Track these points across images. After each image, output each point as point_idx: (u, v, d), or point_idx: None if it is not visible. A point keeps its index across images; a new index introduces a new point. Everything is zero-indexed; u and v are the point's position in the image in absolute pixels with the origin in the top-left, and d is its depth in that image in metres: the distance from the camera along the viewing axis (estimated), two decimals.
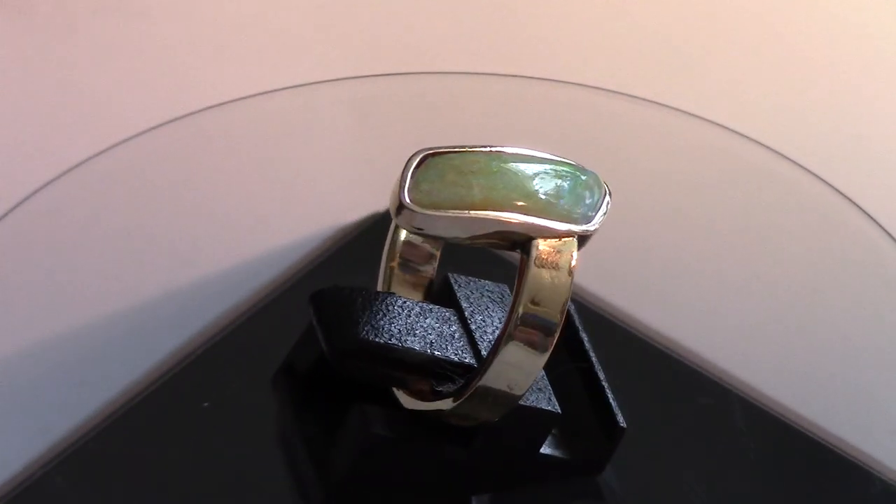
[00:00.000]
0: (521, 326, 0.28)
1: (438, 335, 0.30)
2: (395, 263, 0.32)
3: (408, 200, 0.28)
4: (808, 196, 0.41)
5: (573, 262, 0.28)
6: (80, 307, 0.37)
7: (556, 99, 0.44)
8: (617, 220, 0.40)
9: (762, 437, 0.34)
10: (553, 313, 0.28)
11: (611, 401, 0.32)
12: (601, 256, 0.39)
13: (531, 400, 0.30)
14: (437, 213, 0.28)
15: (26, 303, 0.37)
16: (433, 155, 0.29)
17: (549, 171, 0.29)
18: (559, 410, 0.30)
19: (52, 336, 0.36)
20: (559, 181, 0.29)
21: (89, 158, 0.40)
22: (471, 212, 0.28)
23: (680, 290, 0.39)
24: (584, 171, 0.30)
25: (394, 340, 0.30)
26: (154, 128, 0.41)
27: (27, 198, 0.38)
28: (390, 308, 0.30)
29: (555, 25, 0.50)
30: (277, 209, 0.40)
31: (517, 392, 0.29)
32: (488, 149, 0.29)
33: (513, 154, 0.29)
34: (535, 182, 0.29)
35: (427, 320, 0.30)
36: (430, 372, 0.30)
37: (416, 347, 0.30)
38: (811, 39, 0.50)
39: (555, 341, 0.28)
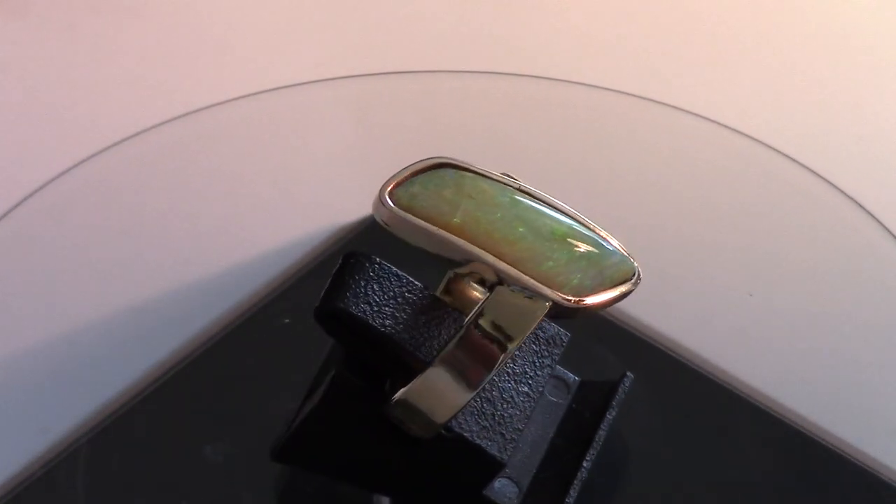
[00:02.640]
0: (449, 359, 0.28)
1: (439, 340, 0.30)
2: (454, 274, 0.31)
3: (387, 194, 0.28)
4: (810, 195, 0.41)
5: (530, 327, 0.27)
6: (81, 307, 0.37)
7: (557, 98, 0.44)
8: (617, 219, 0.40)
9: (762, 436, 0.34)
10: (483, 363, 0.27)
11: (573, 485, 0.30)
12: None
13: (485, 440, 0.29)
14: (407, 218, 0.28)
15: (26, 303, 0.37)
16: (450, 166, 0.29)
17: (564, 231, 0.28)
18: (505, 461, 0.29)
19: (52, 336, 0.36)
20: (565, 244, 0.28)
21: (88, 158, 0.40)
22: (439, 230, 0.28)
23: (679, 289, 0.39)
24: (610, 251, 0.28)
25: (376, 322, 0.29)
26: (153, 127, 0.41)
27: (27, 197, 0.38)
28: (405, 298, 0.30)
29: (556, 24, 0.50)
30: (277, 209, 0.40)
31: (437, 419, 0.28)
32: (517, 184, 0.29)
33: (538, 198, 0.29)
34: (533, 232, 0.28)
35: (440, 325, 0.30)
36: (400, 365, 0.29)
37: (397, 338, 0.29)
38: (813, 38, 0.50)
39: (478, 388, 0.28)
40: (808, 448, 0.34)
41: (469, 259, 0.28)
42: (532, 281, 0.27)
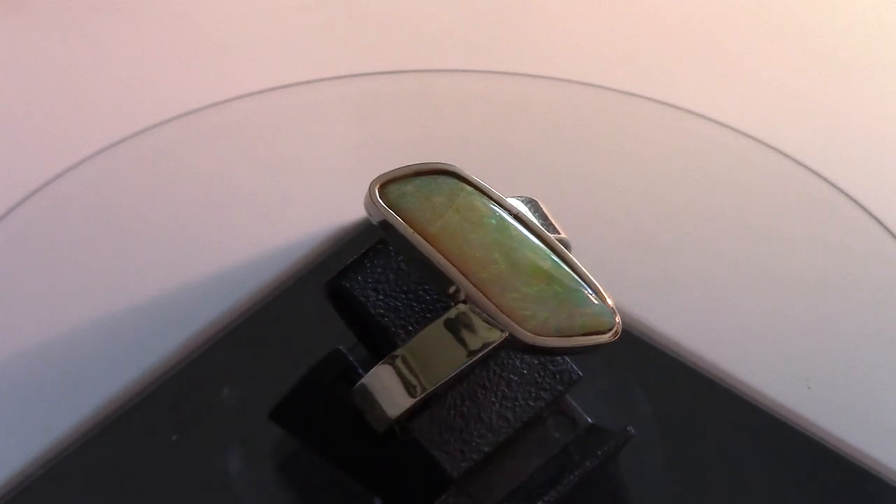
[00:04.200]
0: (399, 359, 0.27)
1: None
2: None
3: (377, 187, 0.28)
4: (810, 195, 0.41)
5: (478, 352, 0.27)
6: (81, 307, 0.37)
7: (557, 98, 0.44)
8: (617, 219, 0.40)
9: (762, 436, 0.34)
10: (429, 373, 0.27)
11: None
12: (602, 253, 0.39)
13: (440, 451, 0.29)
14: (387, 214, 0.28)
15: (26, 303, 0.37)
16: (452, 175, 0.29)
17: (545, 269, 0.28)
18: (454, 477, 0.29)
19: (52, 336, 0.36)
20: (540, 281, 0.27)
21: (89, 158, 0.40)
22: (414, 234, 0.27)
23: (679, 288, 0.39)
24: (590, 300, 0.28)
25: (375, 311, 0.29)
26: (153, 127, 0.41)
27: (27, 198, 0.38)
28: (418, 295, 0.30)
29: (557, 23, 0.50)
30: (277, 209, 0.40)
31: (389, 413, 0.28)
32: (515, 211, 0.28)
33: (534, 231, 0.28)
34: (507, 261, 0.27)
35: None
36: (381, 350, 0.29)
37: (393, 331, 0.29)
38: (814, 37, 0.50)
39: (419, 397, 0.27)
40: (809, 448, 0.34)
41: (435, 269, 0.27)
42: (492, 307, 0.27)
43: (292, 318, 0.36)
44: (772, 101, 0.47)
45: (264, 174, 0.42)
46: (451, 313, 0.27)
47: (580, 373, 0.30)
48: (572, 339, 0.27)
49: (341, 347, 0.30)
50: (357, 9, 0.50)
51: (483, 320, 0.27)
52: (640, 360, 0.36)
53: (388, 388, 0.27)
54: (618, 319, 0.28)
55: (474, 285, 0.27)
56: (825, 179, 0.41)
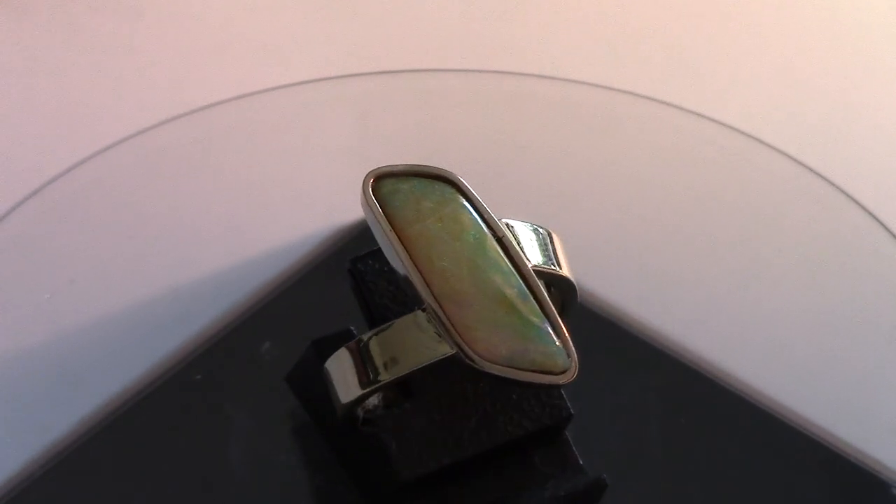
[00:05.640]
0: (358, 349, 0.27)
1: None
2: None
3: (371, 180, 0.28)
4: (810, 195, 0.41)
5: (421, 362, 0.27)
6: (81, 306, 0.37)
7: (559, 97, 0.44)
8: (618, 218, 0.40)
9: (761, 436, 0.34)
10: (383, 369, 0.27)
11: None
12: (602, 253, 0.39)
13: (398, 451, 0.28)
14: (376, 211, 0.28)
15: (26, 303, 0.37)
16: (450, 183, 0.28)
17: (510, 297, 0.27)
18: (405, 479, 0.28)
19: (53, 336, 0.36)
20: (501, 308, 0.27)
21: (88, 158, 0.40)
22: (390, 231, 0.27)
23: (679, 288, 0.39)
24: (549, 339, 0.27)
25: (377, 300, 0.29)
26: (153, 127, 0.41)
27: (27, 197, 0.39)
28: None
29: (556, 23, 0.50)
30: (277, 209, 0.40)
31: (342, 399, 0.28)
32: (501, 233, 0.28)
33: (515, 261, 0.27)
34: (474, 280, 0.27)
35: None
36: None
37: (393, 319, 0.29)
38: (814, 37, 0.50)
39: (367, 390, 0.27)
40: (809, 448, 0.34)
41: (400, 269, 0.27)
42: (446, 321, 0.27)
43: (292, 319, 0.36)
44: (772, 101, 0.47)
45: (264, 174, 0.42)
46: (411, 317, 0.27)
47: (572, 411, 0.30)
48: (521, 372, 0.26)
49: (352, 328, 0.30)
50: (357, 9, 0.50)
51: (435, 332, 0.27)
52: (640, 359, 0.36)
53: (344, 374, 0.27)
54: (574, 364, 0.27)
55: (434, 296, 0.27)
56: (825, 179, 0.41)
